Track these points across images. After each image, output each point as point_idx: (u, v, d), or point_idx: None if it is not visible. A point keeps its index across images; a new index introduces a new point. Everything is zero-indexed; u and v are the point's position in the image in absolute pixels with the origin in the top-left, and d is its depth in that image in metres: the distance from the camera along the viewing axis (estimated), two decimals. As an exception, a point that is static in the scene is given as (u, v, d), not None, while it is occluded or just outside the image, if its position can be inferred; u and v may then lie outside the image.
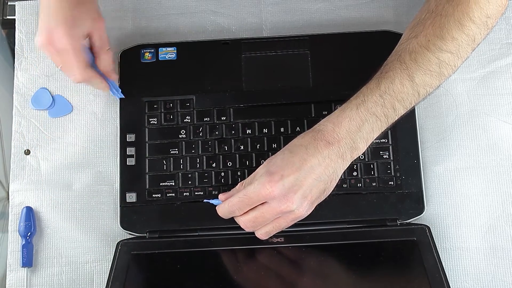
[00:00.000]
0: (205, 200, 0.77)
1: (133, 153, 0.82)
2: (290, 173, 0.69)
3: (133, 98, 0.84)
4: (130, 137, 0.83)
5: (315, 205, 0.73)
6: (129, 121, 0.83)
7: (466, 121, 0.84)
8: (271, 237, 0.77)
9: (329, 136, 0.70)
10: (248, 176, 0.81)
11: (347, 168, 0.80)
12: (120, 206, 0.81)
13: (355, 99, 0.72)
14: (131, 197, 0.81)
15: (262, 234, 0.74)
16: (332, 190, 0.73)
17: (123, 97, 0.83)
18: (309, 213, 0.72)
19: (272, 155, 0.81)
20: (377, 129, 0.72)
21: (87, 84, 0.82)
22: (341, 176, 0.73)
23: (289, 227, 0.78)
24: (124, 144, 0.82)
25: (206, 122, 0.83)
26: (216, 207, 0.75)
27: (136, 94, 0.84)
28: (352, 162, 0.80)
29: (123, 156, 0.82)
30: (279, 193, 0.69)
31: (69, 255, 0.82)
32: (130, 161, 0.82)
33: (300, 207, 0.70)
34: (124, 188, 0.81)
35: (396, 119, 0.73)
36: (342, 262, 0.77)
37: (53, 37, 0.74)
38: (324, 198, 0.73)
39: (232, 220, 0.79)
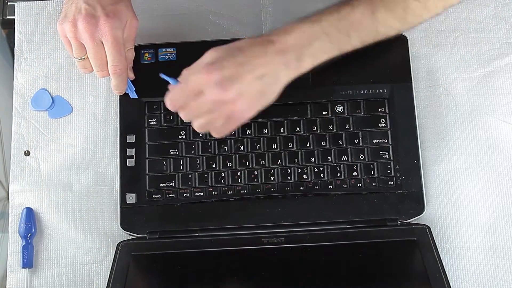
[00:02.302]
0: (161, 75, 0.76)
1: (133, 154, 0.82)
2: (231, 66, 0.69)
3: (132, 99, 0.83)
4: (130, 138, 0.83)
5: (254, 109, 0.71)
6: (129, 122, 0.83)
7: (466, 121, 0.84)
8: (271, 238, 0.77)
9: (278, 42, 0.70)
10: (247, 176, 0.81)
11: (347, 168, 0.80)
12: (120, 207, 0.81)
13: (313, 16, 0.72)
14: (131, 198, 0.81)
15: (197, 126, 0.74)
16: (273, 102, 0.72)
17: (136, 97, 0.83)
18: (246, 116, 0.71)
19: (272, 155, 0.81)
20: (327, 51, 0.72)
21: (113, 78, 0.79)
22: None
23: (289, 228, 0.78)
24: (124, 145, 0.82)
25: (206, 123, 0.83)
26: (165, 97, 0.74)
27: (139, 99, 0.84)
28: (352, 162, 0.80)
29: (123, 157, 0.82)
30: (216, 80, 0.68)
31: (69, 256, 0.82)
32: (130, 162, 0.82)
33: (236, 101, 0.69)
34: (124, 189, 0.81)
35: (349, 49, 0.73)
36: (342, 262, 0.77)
37: (96, 25, 0.74)
38: (263, 106, 0.72)
39: (232, 220, 0.80)
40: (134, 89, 0.83)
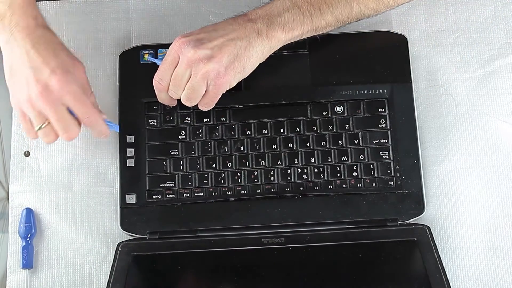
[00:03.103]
0: (149, 58, 0.80)
1: (132, 154, 0.82)
2: (202, 32, 0.74)
3: (132, 99, 0.83)
4: (130, 139, 0.83)
5: (231, 73, 0.73)
6: (129, 123, 0.83)
7: (466, 121, 0.84)
8: (271, 238, 0.77)
9: (249, 14, 0.75)
10: (247, 176, 0.81)
11: (347, 169, 0.80)
12: (120, 207, 0.81)
13: None
14: (131, 198, 0.81)
15: (184, 100, 0.76)
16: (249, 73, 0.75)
17: (118, 131, 0.82)
18: (224, 80, 0.73)
19: (272, 155, 0.81)
20: (298, 23, 0.74)
21: (92, 129, 0.77)
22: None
23: (289, 228, 0.78)
24: (123, 146, 0.82)
25: (206, 123, 0.83)
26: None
27: (135, 96, 0.84)
28: (352, 162, 0.80)
29: (123, 158, 0.82)
30: (188, 44, 0.72)
31: (69, 257, 0.82)
32: (130, 163, 0.82)
33: (208, 61, 0.71)
34: (124, 190, 0.81)
35: (323, 25, 0.76)
36: (342, 263, 0.77)
37: (49, 88, 0.72)
38: (240, 73, 0.74)
39: (232, 220, 0.80)
40: (113, 123, 0.80)
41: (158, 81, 0.76)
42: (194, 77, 0.73)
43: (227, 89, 0.76)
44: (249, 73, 0.76)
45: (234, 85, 0.76)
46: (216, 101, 0.77)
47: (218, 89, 0.75)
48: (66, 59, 0.74)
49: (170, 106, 0.83)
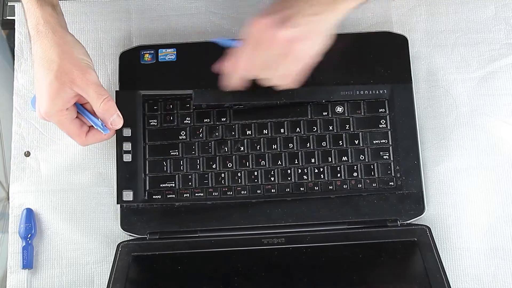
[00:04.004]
0: (215, 40, 0.77)
1: (129, 148, 0.82)
2: (279, 9, 0.71)
3: (132, 93, 0.83)
4: (126, 132, 0.82)
5: (315, 48, 0.72)
6: (125, 116, 0.80)
7: (466, 122, 0.84)
8: (271, 238, 0.77)
9: None
10: (247, 177, 0.81)
11: (347, 169, 0.80)
12: (117, 203, 0.81)
13: None
14: (128, 195, 0.81)
15: (276, 81, 0.75)
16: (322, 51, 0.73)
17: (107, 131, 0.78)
18: (310, 53, 0.72)
19: (272, 155, 0.81)
20: None
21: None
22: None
23: (290, 228, 0.78)
24: (120, 139, 0.82)
25: (206, 123, 0.83)
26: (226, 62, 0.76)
27: (136, 91, 0.83)
28: (353, 162, 0.80)
29: (120, 152, 0.81)
30: (270, 23, 0.70)
31: (69, 257, 0.82)
32: (127, 158, 0.82)
33: (294, 39, 0.70)
34: (121, 186, 0.81)
35: None
36: (342, 263, 0.77)
37: (42, 115, 0.73)
38: (323, 42, 0.73)
39: (232, 221, 0.80)
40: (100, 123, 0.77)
41: (243, 62, 0.74)
42: (283, 58, 0.72)
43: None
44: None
45: (319, 59, 0.75)
46: (305, 76, 0.75)
47: (309, 63, 0.74)
48: (63, 78, 0.73)
49: (170, 106, 0.82)
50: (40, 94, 0.72)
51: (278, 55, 0.72)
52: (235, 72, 0.75)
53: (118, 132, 0.81)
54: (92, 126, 0.76)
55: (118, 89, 0.84)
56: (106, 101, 0.73)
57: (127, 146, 0.82)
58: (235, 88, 0.78)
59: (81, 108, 0.75)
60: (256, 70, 0.74)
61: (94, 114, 0.75)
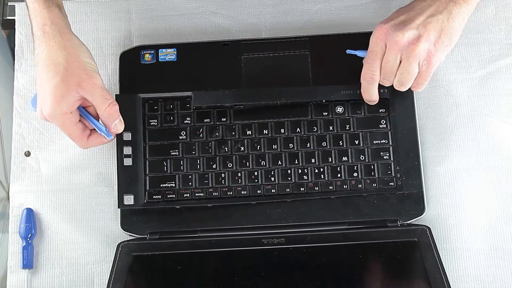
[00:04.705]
0: (348, 50, 0.78)
1: (130, 152, 0.82)
2: (400, 14, 0.73)
3: (131, 96, 0.83)
4: (127, 136, 0.82)
5: (440, 48, 0.73)
6: (125, 120, 0.81)
7: (466, 122, 0.84)
8: (271, 238, 0.77)
9: None
10: (248, 177, 0.81)
11: (347, 169, 0.80)
12: (118, 207, 0.81)
13: None
14: (129, 200, 0.81)
15: (397, 86, 0.76)
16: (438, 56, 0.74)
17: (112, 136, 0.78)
18: (436, 57, 0.73)
19: (272, 156, 0.81)
20: None
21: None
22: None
23: (290, 228, 0.78)
24: (121, 143, 0.82)
25: (206, 124, 0.82)
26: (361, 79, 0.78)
27: (135, 94, 0.83)
28: (353, 163, 0.80)
29: (120, 157, 0.81)
30: (390, 30, 0.72)
31: (69, 257, 0.82)
32: (127, 162, 0.82)
33: (417, 41, 0.72)
34: (122, 190, 0.81)
35: None
36: (342, 263, 0.77)
37: (45, 116, 0.73)
38: (448, 43, 0.74)
39: (232, 221, 0.80)
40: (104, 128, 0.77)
41: (372, 74, 0.76)
42: (406, 60, 0.73)
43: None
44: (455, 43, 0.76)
45: (443, 59, 0.76)
46: (428, 80, 0.76)
47: (431, 67, 0.74)
48: (68, 81, 0.73)
49: (171, 106, 0.83)
50: (44, 96, 0.72)
51: (397, 60, 0.73)
52: (368, 82, 0.77)
53: (119, 137, 0.81)
54: (94, 129, 0.76)
55: (118, 93, 0.84)
56: (111, 105, 0.74)
57: (127, 150, 0.82)
58: (375, 100, 0.79)
59: (85, 112, 0.75)
60: (378, 77, 0.76)
61: (96, 117, 0.75)
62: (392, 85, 0.77)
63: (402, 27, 0.72)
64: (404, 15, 0.73)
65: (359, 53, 0.78)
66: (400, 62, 0.74)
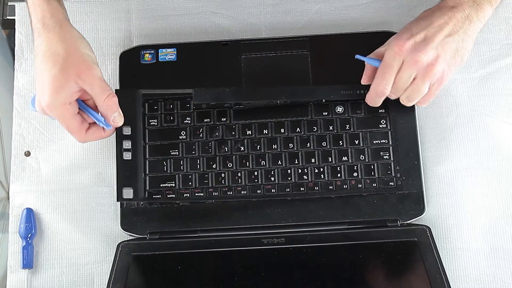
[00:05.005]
0: (357, 56, 0.77)
1: (129, 146, 0.82)
2: (418, 31, 0.73)
3: (132, 91, 0.83)
4: (126, 130, 0.82)
5: (452, 68, 0.74)
6: (125, 114, 0.80)
7: (466, 122, 0.84)
8: (271, 238, 0.77)
9: (451, 1, 0.74)
10: (248, 177, 0.81)
11: (347, 169, 0.80)
12: (117, 201, 0.81)
13: None
14: (128, 193, 0.81)
15: (404, 100, 0.77)
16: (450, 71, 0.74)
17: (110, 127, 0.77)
18: (447, 76, 0.74)
19: (272, 155, 0.81)
20: None
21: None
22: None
23: (290, 228, 0.78)
24: (120, 137, 0.82)
25: (206, 123, 0.83)
26: (369, 91, 0.77)
27: (136, 90, 0.83)
28: (353, 163, 0.80)
29: (119, 150, 0.81)
30: (410, 47, 0.72)
31: (69, 257, 0.82)
32: (127, 156, 0.81)
33: (435, 62, 0.72)
34: (121, 184, 0.81)
35: None
36: (342, 263, 0.77)
37: (43, 108, 0.72)
38: (460, 63, 0.74)
39: (232, 220, 0.80)
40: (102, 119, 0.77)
41: (384, 87, 0.75)
42: (420, 79, 0.73)
43: None
44: None
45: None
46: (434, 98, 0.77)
47: (441, 86, 0.75)
48: (68, 72, 0.73)
49: (171, 106, 0.82)
50: (43, 87, 0.72)
51: (411, 77, 0.73)
52: (377, 94, 0.77)
53: (118, 130, 0.81)
54: (92, 123, 0.75)
55: (118, 88, 0.84)
56: (110, 97, 0.73)
57: (127, 144, 0.82)
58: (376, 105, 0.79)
59: (83, 105, 0.75)
60: (389, 91, 0.76)
61: (96, 110, 0.75)
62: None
63: (424, 47, 0.72)
64: (424, 32, 0.73)
65: (369, 60, 0.77)
66: (414, 79, 0.74)
